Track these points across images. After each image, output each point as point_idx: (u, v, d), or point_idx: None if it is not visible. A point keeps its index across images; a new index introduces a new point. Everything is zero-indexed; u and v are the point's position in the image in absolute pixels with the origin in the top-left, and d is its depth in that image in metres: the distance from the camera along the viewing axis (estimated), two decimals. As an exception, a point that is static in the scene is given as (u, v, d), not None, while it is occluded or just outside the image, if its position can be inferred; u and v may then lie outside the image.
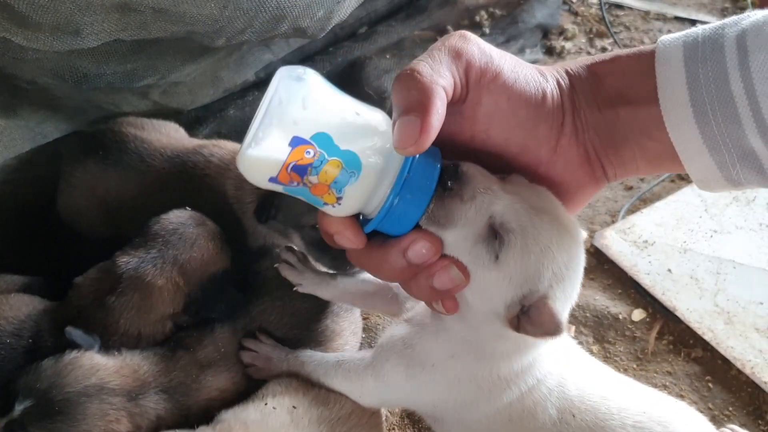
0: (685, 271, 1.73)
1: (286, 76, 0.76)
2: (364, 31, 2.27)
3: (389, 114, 0.79)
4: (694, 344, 1.62)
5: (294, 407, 1.23)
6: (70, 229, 1.65)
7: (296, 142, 0.73)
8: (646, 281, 1.71)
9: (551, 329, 0.83)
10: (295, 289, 1.34)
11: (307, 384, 1.28)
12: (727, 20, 0.76)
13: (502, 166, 0.85)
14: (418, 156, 0.77)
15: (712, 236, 1.80)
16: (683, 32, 0.78)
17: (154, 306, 1.30)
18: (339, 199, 0.77)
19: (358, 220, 0.81)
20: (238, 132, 1.92)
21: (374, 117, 0.79)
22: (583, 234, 0.90)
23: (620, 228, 1.83)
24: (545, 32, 2.46)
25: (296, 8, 1.38)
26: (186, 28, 1.29)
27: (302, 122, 0.74)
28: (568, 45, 2.42)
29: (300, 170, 0.74)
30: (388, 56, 2.18)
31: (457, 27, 2.32)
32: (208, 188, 1.50)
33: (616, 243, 1.79)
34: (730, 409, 1.53)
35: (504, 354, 0.99)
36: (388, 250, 0.81)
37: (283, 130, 0.74)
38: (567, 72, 0.84)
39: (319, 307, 1.40)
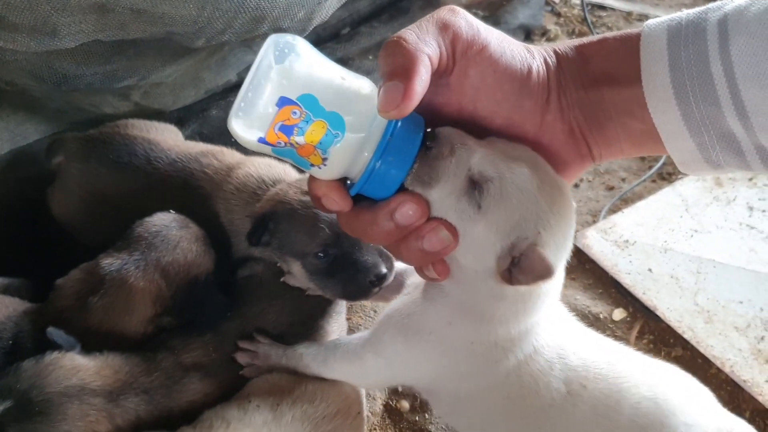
0: (666, 271, 1.74)
1: (276, 41, 0.79)
2: (346, 32, 2.27)
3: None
4: (674, 343, 1.63)
5: (277, 404, 1.24)
6: (52, 230, 1.64)
7: (283, 102, 0.77)
8: (626, 281, 1.72)
9: (542, 273, 0.84)
10: (307, 293, 1.38)
11: (293, 382, 1.27)
12: (711, 5, 0.78)
13: None
14: (401, 121, 0.79)
15: (692, 236, 1.81)
16: (668, 16, 0.81)
17: (137, 308, 1.29)
18: (324, 159, 0.79)
19: (345, 184, 0.84)
20: (220, 133, 1.92)
21: (360, 83, 0.82)
22: (572, 204, 0.91)
23: (601, 228, 1.84)
24: (528, 33, 2.46)
25: (276, 9, 1.38)
26: (165, 29, 1.29)
27: (289, 84, 0.78)
28: (550, 46, 2.43)
29: (286, 130, 0.77)
30: (370, 57, 2.18)
31: (440, 28, 2.32)
32: (201, 200, 1.50)
33: (597, 243, 1.80)
34: (710, 407, 1.54)
35: (501, 318, 0.98)
36: (376, 213, 0.83)
37: (271, 91, 0.77)
38: (555, 51, 0.86)
39: (313, 308, 1.41)
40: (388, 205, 0.83)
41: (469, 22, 0.83)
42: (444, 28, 0.81)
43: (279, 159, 0.90)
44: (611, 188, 2.00)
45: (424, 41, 0.78)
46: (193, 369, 1.30)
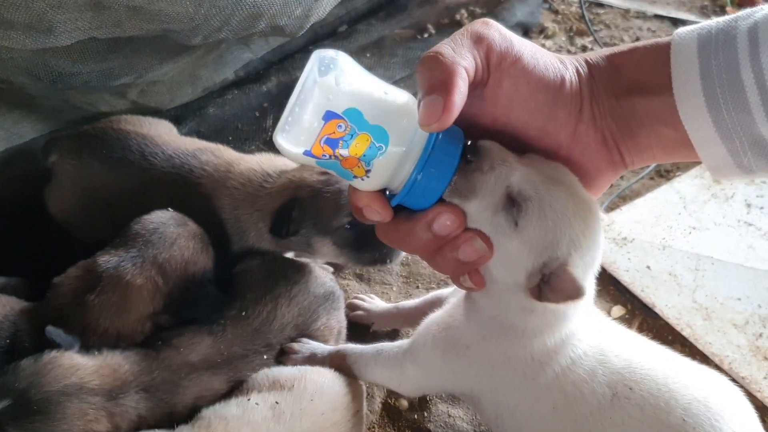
0: (664, 268, 1.74)
1: (320, 57, 0.82)
2: (344, 30, 2.27)
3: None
4: (673, 340, 1.63)
5: (277, 403, 1.24)
6: (49, 229, 1.64)
7: (329, 116, 0.79)
8: (625, 278, 1.72)
9: (572, 293, 0.87)
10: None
11: (292, 379, 1.28)
12: (741, 13, 0.79)
13: (523, 150, 0.89)
14: (441, 134, 0.81)
15: (690, 233, 1.81)
16: (698, 25, 0.82)
17: (134, 305, 1.29)
18: (368, 171, 0.82)
19: (385, 195, 0.86)
20: (217, 131, 1.92)
21: (401, 96, 0.83)
22: (604, 217, 0.94)
23: (600, 225, 1.84)
24: (526, 30, 2.46)
25: (273, 6, 1.38)
26: (161, 26, 1.29)
27: (334, 98, 0.80)
28: (548, 43, 2.43)
29: (332, 143, 0.79)
30: (368, 54, 2.18)
31: (438, 25, 2.33)
32: (201, 197, 1.50)
33: (595, 240, 1.80)
34: (709, 404, 1.53)
35: (535, 330, 1.01)
36: (415, 223, 0.85)
37: (317, 106, 0.79)
38: (586, 61, 0.87)
39: (313, 304, 1.43)
40: (426, 216, 0.85)
41: (502, 34, 0.84)
42: (478, 40, 0.82)
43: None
44: (610, 186, 1.99)
45: (460, 54, 0.80)
46: (204, 367, 1.30)
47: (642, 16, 2.57)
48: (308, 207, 1.36)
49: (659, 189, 1.93)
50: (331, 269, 1.69)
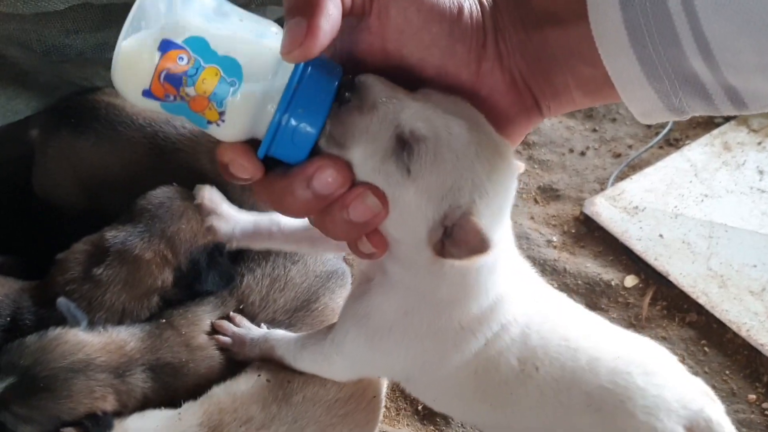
0: (677, 236, 1.71)
1: None
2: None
3: None
4: (689, 308, 1.61)
5: (288, 381, 1.21)
6: (44, 208, 1.60)
7: (166, 46, 0.65)
8: (637, 247, 1.69)
9: (477, 246, 0.74)
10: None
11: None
12: None
13: None
14: (311, 68, 0.68)
15: (702, 200, 1.78)
16: None
17: (142, 279, 1.27)
18: (221, 114, 0.68)
19: (254, 148, 0.72)
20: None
21: (261, 24, 0.70)
22: (520, 165, 0.83)
23: (610, 195, 1.81)
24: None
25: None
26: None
27: (174, 25, 0.66)
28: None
29: (174, 80, 0.66)
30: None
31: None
32: (183, 164, 1.46)
33: (606, 210, 1.77)
34: (727, 372, 1.51)
35: (452, 297, 0.91)
36: (292, 180, 0.71)
37: (152, 35, 0.65)
38: None
39: (314, 285, 1.39)
40: (303, 171, 0.71)
41: None
42: None
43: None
44: (618, 155, 1.96)
45: None
46: (200, 349, 1.27)
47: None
48: None
49: (669, 157, 1.90)
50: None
